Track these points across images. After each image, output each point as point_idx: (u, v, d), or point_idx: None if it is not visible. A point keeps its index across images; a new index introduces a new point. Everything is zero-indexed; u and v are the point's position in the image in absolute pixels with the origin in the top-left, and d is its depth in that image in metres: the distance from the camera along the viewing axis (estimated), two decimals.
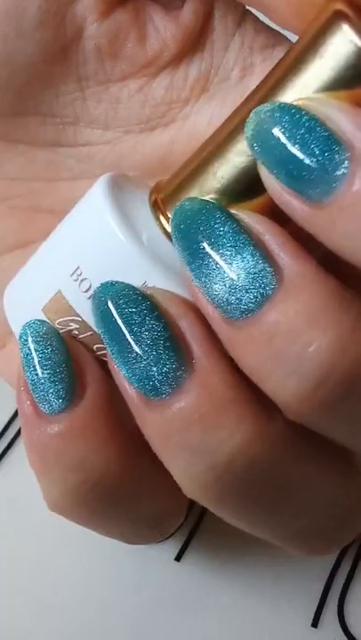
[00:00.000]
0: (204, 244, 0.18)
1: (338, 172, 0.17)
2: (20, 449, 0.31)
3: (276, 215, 0.18)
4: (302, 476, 0.20)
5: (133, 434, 0.21)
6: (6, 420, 0.32)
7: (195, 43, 0.22)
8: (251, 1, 0.20)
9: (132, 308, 0.19)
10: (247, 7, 0.22)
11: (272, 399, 0.19)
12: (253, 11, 0.21)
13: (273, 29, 0.22)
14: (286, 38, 0.22)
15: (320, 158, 0.17)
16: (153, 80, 0.22)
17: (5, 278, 0.23)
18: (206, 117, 0.22)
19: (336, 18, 0.17)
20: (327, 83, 0.18)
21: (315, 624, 0.28)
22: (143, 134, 0.23)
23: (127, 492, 0.22)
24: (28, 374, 0.21)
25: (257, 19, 0.22)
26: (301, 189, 0.17)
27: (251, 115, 0.18)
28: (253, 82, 0.21)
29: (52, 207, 0.24)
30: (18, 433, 0.32)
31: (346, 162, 0.17)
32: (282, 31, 0.21)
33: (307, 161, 0.17)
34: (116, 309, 0.19)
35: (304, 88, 0.18)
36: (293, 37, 0.19)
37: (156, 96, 0.22)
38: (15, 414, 0.32)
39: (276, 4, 0.19)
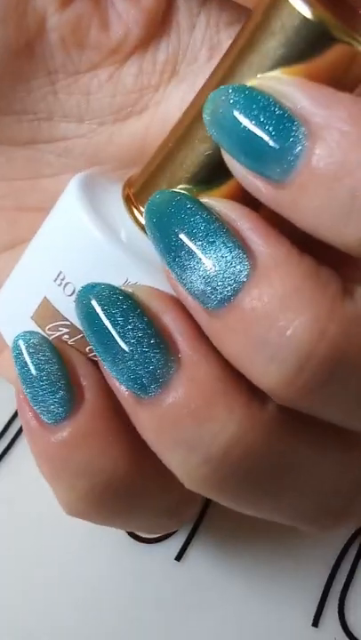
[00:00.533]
0: (177, 236, 0.18)
1: (295, 150, 0.17)
2: (19, 449, 0.31)
3: (249, 199, 0.18)
4: (301, 458, 0.20)
5: (137, 431, 0.20)
6: (6, 420, 0.32)
7: (159, 25, 0.21)
8: None
9: (114, 308, 0.19)
10: None
11: (258, 386, 0.18)
12: None
13: (238, 4, 0.21)
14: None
15: (277, 137, 0.17)
16: (121, 68, 0.22)
17: (0, 280, 0.23)
18: (178, 101, 0.22)
19: None
20: (281, 59, 0.17)
21: (315, 623, 0.28)
22: (117, 124, 0.23)
23: (139, 488, 0.22)
24: (25, 387, 0.21)
25: None
26: (263, 170, 0.17)
27: (207, 100, 0.18)
28: None
29: (38, 205, 0.24)
30: (18, 433, 0.32)
31: (302, 139, 0.16)
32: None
33: (264, 141, 0.17)
34: (99, 311, 0.19)
35: (259, 67, 0.17)
36: None
37: (127, 84, 0.22)
38: (15, 414, 0.32)
39: None
